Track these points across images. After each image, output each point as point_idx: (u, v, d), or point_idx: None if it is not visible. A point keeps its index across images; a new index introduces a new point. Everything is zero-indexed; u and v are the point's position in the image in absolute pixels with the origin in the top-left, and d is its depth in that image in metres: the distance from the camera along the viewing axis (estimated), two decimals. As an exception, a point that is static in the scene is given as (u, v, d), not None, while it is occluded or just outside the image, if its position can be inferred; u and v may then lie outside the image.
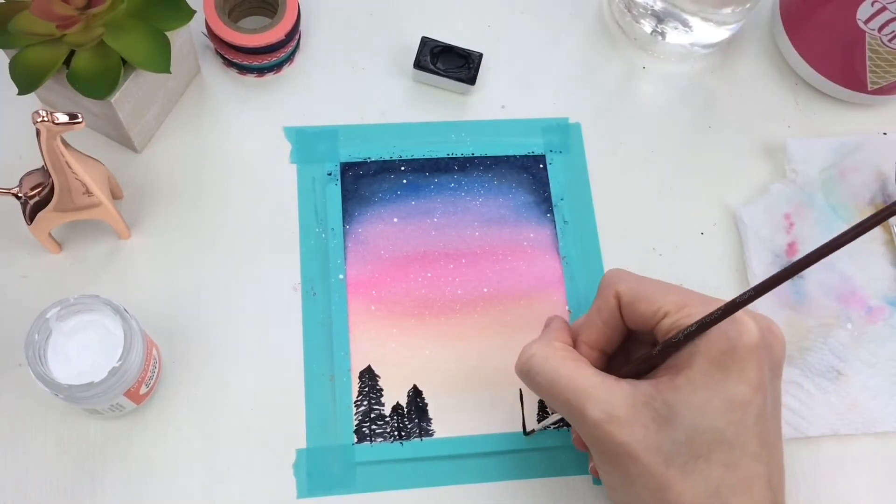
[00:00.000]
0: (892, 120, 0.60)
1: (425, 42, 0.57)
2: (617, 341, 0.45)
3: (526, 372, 0.44)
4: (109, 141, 0.54)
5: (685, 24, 0.57)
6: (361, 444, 0.49)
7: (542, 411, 0.51)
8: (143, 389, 0.47)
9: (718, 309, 0.38)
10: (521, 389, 0.51)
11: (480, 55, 0.57)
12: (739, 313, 0.39)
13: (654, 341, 0.43)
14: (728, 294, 0.50)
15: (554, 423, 0.49)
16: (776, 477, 0.40)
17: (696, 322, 0.39)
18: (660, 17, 0.58)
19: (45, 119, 0.41)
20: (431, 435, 0.50)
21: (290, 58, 0.57)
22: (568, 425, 0.50)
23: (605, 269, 0.54)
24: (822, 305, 0.54)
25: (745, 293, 0.37)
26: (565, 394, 0.41)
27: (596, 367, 0.44)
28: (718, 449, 0.39)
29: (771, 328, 0.41)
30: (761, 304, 0.53)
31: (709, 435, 0.39)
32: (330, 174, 0.55)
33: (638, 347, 0.46)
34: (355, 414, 0.49)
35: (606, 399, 0.40)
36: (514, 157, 0.56)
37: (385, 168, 0.55)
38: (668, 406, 0.39)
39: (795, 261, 0.36)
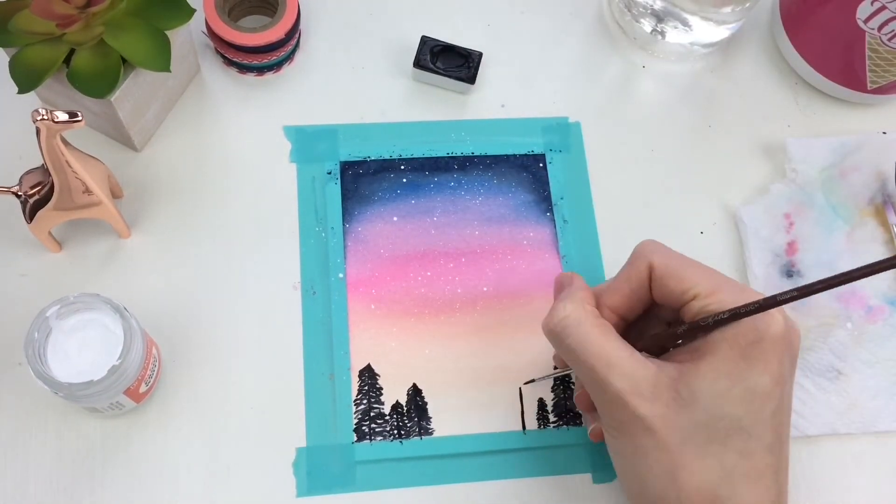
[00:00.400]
0: (892, 119, 0.60)
1: (425, 41, 0.57)
2: (639, 311, 0.45)
3: (557, 332, 0.43)
4: (109, 140, 0.54)
5: (685, 23, 0.57)
6: (361, 442, 0.49)
7: (542, 409, 0.51)
8: (143, 388, 0.47)
9: (756, 302, 0.39)
10: (520, 388, 0.51)
11: (480, 54, 0.57)
12: (753, 293, 0.40)
13: (674, 318, 0.43)
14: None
15: (555, 377, 0.50)
16: (783, 471, 0.41)
17: (730, 310, 0.39)
18: (660, 17, 0.58)
19: (45, 118, 0.41)
20: (431, 434, 0.50)
21: (289, 57, 0.57)
22: (569, 384, 0.50)
23: (605, 269, 0.54)
24: (822, 305, 0.54)
25: (787, 292, 0.37)
26: (593, 361, 0.41)
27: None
28: (735, 436, 0.39)
29: (793, 323, 0.42)
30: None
31: (727, 421, 0.39)
32: (330, 173, 0.55)
33: (654, 320, 0.46)
34: (355, 413, 0.49)
35: (632, 374, 0.40)
36: (514, 156, 0.56)
37: (385, 167, 0.55)
38: (690, 390, 0.40)
39: (842, 273, 0.36)
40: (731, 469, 0.39)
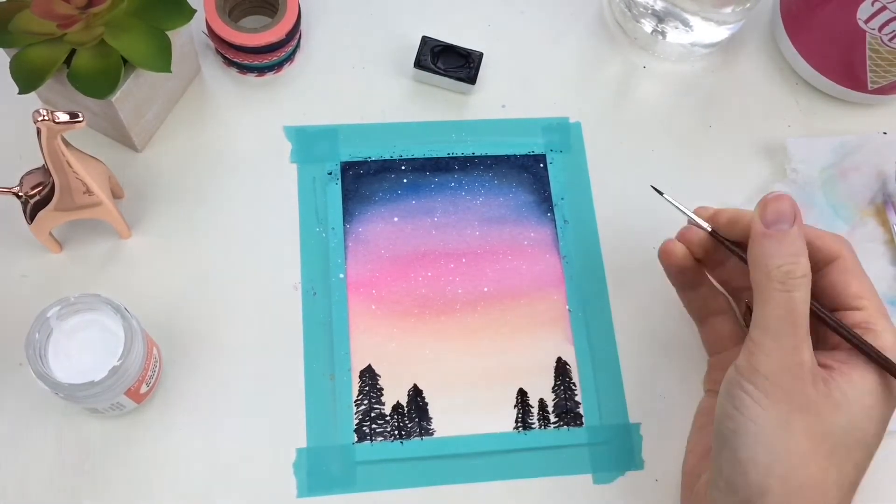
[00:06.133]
0: (893, 120, 0.60)
1: (426, 41, 0.57)
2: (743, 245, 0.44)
3: (787, 279, 0.41)
4: (110, 140, 0.54)
5: (685, 23, 0.57)
6: (362, 443, 0.49)
7: (542, 409, 0.51)
8: (144, 388, 0.47)
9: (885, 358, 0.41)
10: (520, 388, 0.51)
11: (481, 54, 0.57)
12: None
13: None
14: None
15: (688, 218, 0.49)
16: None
17: (882, 356, 0.41)
18: (660, 17, 0.58)
19: (46, 118, 0.41)
20: (431, 434, 0.50)
21: (290, 57, 0.57)
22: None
23: (605, 269, 0.54)
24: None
25: None
26: (799, 324, 0.41)
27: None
28: (860, 450, 0.41)
29: None
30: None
31: (859, 434, 0.41)
32: (330, 173, 0.55)
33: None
34: (355, 413, 0.50)
35: (810, 360, 0.41)
36: (515, 156, 0.56)
37: (385, 167, 0.55)
38: (843, 394, 0.41)
39: None
40: (845, 477, 0.41)
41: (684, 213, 0.48)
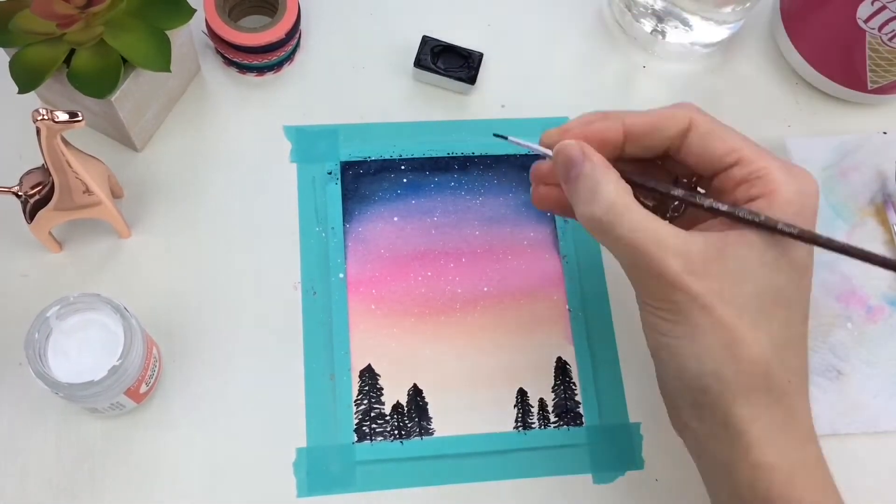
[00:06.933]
0: (892, 119, 0.60)
1: (426, 41, 0.57)
2: (636, 150, 0.44)
3: (607, 222, 0.40)
4: (110, 140, 0.54)
5: (685, 23, 0.57)
6: (361, 443, 0.49)
7: (542, 409, 0.51)
8: (144, 388, 0.47)
9: (795, 228, 0.39)
10: (520, 388, 0.51)
11: (481, 55, 0.57)
12: (801, 169, 0.41)
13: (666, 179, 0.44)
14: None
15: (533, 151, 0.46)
16: (807, 338, 0.42)
17: (768, 218, 0.39)
18: (660, 17, 0.58)
19: (45, 117, 0.41)
20: (431, 434, 0.50)
21: (290, 57, 0.57)
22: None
23: (605, 269, 0.54)
24: (823, 305, 0.54)
25: (822, 236, 0.39)
26: (646, 246, 0.39)
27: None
28: (780, 307, 0.40)
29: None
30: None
31: (773, 292, 0.40)
32: (330, 173, 0.55)
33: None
34: (355, 413, 0.49)
35: (685, 252, 0.39)
36: (515, 156, 0.56)
37: (385, 167, 0.55)
38: (740, 261, 0.39)
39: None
40: (777, 338, 0.40)
41: (536, 150, 0.45)
